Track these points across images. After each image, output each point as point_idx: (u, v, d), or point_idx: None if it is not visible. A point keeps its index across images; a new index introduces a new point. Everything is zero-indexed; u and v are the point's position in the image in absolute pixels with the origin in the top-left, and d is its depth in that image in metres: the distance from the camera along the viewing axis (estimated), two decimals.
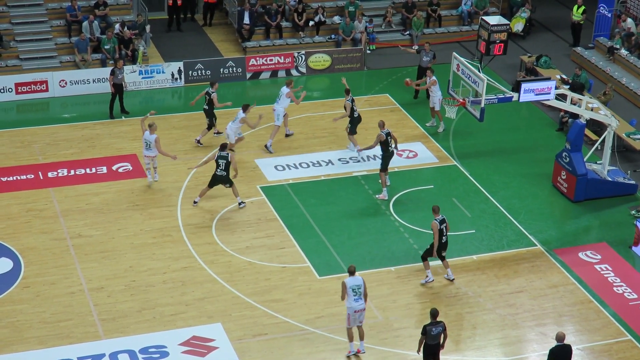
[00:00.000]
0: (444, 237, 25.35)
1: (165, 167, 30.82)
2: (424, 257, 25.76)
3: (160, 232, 27.66)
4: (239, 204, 28.87)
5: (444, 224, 25.32)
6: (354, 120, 31.76)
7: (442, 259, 25.75)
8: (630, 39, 38.25)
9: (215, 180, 28.61)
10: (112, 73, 33.33)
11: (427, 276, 25.81)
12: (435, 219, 25.20)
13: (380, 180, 29.63)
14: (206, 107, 32.29)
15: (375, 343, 23.71)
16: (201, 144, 32.22)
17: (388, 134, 29.23)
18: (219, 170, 28.31)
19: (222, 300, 25.01)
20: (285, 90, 32.24)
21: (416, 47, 39.54)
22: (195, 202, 28.93)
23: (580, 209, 29.74)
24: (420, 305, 25.07)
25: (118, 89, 33.60)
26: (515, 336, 24.26)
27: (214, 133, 32.74)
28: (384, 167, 29.39)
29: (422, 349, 21.86)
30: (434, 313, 21.66)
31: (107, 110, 33.94)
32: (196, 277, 25.87)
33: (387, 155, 29.35)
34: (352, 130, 31.83)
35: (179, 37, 40.48)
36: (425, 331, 21.61)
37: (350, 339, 23.05)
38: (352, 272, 22.70)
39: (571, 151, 29.61)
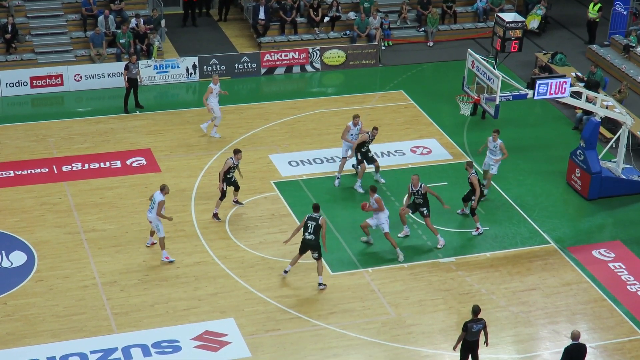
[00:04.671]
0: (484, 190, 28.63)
1: (179, 162, 30.87)
2: (472, 213, 27.98)
3: (173, 227, 27.67)
4: (319, 284, 25.45)
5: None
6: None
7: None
8: None
9: (304, 246, 25.22)
10: (127, 68, 33.37)
11: (477, 228, 28.03)
12: (473, 173, 27.51)
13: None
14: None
15: (388, 339, 23.71)
16: (241, 203, 28.89)
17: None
18: (307, 234, 24.96)
19: (235, 296, 25.03)
20: None
21: None
22: (285, 272, 25.72)
23: (594, 207, 29.67)
24: (433, 302, 25.06)
25: (133, 83, 33.64)
26: (528, 334, 24.22)
27: (233, 201, 28.85)
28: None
29: (459, 345, 21.89)
30: (476, 310, 21.65)
31: (122, 104, 33.98)
32: (209, 272, 25.90)
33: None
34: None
35: (194, 32, 40.52)
36: (466, 328, 21.59)
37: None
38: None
39: (585, 149, 29.54)
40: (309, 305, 24.79)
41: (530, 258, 27.10)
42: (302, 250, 25.31)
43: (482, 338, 22.00)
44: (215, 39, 40.04)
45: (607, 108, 30.71)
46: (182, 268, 26.00)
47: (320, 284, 25.38)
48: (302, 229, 25.07)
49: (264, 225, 27.94)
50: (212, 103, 31.97)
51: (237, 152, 27.85)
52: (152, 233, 26.69)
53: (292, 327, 24.01)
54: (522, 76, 37.27)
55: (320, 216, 25.04)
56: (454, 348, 22.05)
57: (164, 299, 24.77)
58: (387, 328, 24.12)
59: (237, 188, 28.46)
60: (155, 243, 26.48)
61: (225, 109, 34.37)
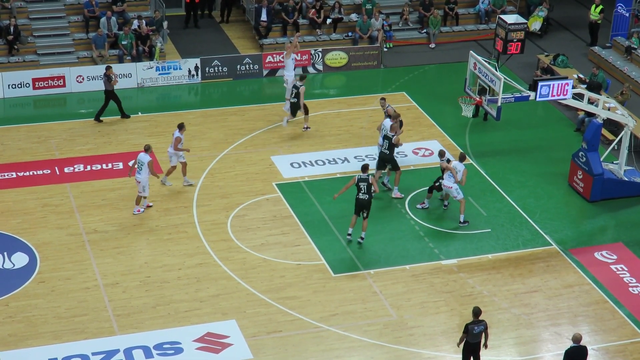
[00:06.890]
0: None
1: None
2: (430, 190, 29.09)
3: (175, 229, 27.70)
4: (361, 238, 27.36)
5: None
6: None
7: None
8: None
9: (360, 206, 26.99)
10: (109, 79, 32.96)
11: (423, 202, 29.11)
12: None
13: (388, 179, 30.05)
14: (295, 99, 32.29)
15: (389, 341, 23.71)
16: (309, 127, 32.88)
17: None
18: (361, 194, 26.76)
19: (237, 297, 25.03)
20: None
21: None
22: (349, 235, 27.47)
23: (596, 209, 29.66)
24: (435, 303, 25.05)
25: (111, 94, 33.28)
26: (529, 336, 24.22)
27: (304, 128, 32.98)
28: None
29: (462, 346, 21.93)
30: (477, 312, 21.68)
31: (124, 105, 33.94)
32: (211, 273, 25.91)
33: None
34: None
35: (196, 33, 40.51)
36: (467, 329, 21.62)
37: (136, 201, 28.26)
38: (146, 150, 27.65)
39: (588, 151, 29.53)
40: (311, 307, 24.79)
41: (532, 260, 27.09)
42: (359, 210, 27.02)
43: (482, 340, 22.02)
44: (218, 40, 40.04)
45: (609, 110, 30.70)
46: (184, 269, 26.01)
47: (362, 238, 27.23)
48: (356, 190, 26.77)
49: (266, 227, 27.94)
50: (288, 75, 34.01)
51: (302, 77, 32.39)
52: (137, 201, 28.26)
53: (294, 329, 24.01)
54: (524, 78, 37.26)
55: (369, 175, 26.73)
56: (458, 345, 22.09)
57: (166, 301, 24.78)
58: (389, 330, 24.12)
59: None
60: (142, 211, 28.25)
61: (227, 111, 34.42)
